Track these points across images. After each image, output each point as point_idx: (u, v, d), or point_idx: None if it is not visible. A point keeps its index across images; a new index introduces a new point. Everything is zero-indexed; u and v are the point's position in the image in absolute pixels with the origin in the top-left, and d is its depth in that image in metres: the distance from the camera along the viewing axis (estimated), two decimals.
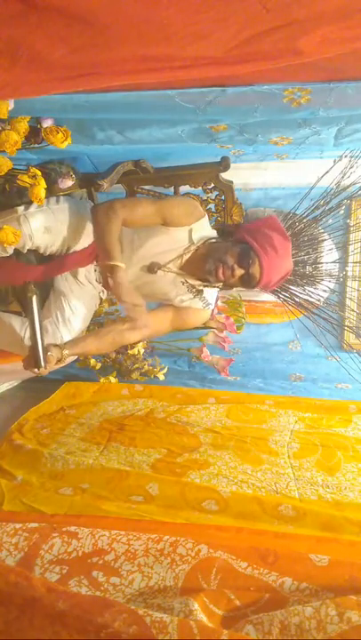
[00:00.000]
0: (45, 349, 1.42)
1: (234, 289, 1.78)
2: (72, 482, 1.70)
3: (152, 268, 1.65)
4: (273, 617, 0.96)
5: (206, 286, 1.71)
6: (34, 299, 1.38)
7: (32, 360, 1.41)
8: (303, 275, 2.29)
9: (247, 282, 1.60)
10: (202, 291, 1.71)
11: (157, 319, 1.71)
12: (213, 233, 1.74)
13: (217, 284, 1.70)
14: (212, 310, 1.85)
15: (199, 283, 1.69)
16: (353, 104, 1.42)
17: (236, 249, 1.60)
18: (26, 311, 1.63)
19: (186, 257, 1.67)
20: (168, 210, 1.64)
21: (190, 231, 1.66)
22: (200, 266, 1.63)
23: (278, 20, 0.92)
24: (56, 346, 1.49)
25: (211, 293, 1.76)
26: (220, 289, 1.77)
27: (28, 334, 1.66)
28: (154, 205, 1.64)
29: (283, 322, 2.82)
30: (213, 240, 1.69)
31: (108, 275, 1.50)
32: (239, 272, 1.57)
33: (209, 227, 1.74)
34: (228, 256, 1.58)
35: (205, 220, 1.71)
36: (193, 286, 1.70)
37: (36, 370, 1.40)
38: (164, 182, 2.08)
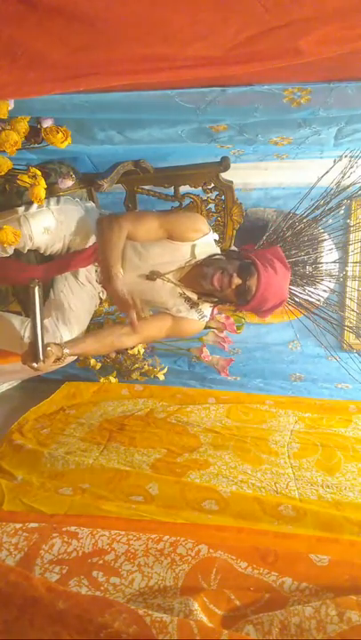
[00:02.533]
0: (45, 344, 1.43)
1: (227, 305, 1.79)
2: (72, 482, 1.70)
3: (151, 276, 1.67)
4: (273, 617, 0.96)
5: (203, 300, 1.73)
6: (36, 290, 1.38)
7: (31, 354, 1.41)
8: (303, 275, 2.29)
9: (242, 294, 1.61)
10: (198, 303, 1.74)
11: (155, 325, 1.74)
12: (217, 250, 1.77)
13: (211, 298, 1.72)
14: (212, 311, 1.86)
15: (196, 296, 1.73)
16: (353, 104, 1.42)
17: (238, 262, 1.64)
18: (27, 307, 1.63)
19: (186, 270, 1.70)
20: (173, 225, 1.67)
21: (193, 246, 1.69)
22: (199, 278, 1.65)
23: (278, 20, 0.92)
24: (56, 344, 1.50)
25: (207, 306, 1.79)
26: (215, 304, 1.78)
27: (27, 333, 1.67)
28: (159, 220, 1.66)
29: (283, 322, 2.82)
30: (217, 256, 1.72)
31: (105, 284, 1.55)
32: (237, 281, 1.59)
33: (214, 244, 1.77)
34: (228, 265, 1.62)
35: (210, 236, 1.74)
36: (189, 299, 1.72)
37: (34, 364, 1.40)
38: (164, 182, 2.08)
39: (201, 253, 1.70)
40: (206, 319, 1.81)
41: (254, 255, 1.66)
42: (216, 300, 1.73)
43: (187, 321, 1.76)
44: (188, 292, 1.72)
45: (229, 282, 1.59)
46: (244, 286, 1.59)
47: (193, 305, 1.75)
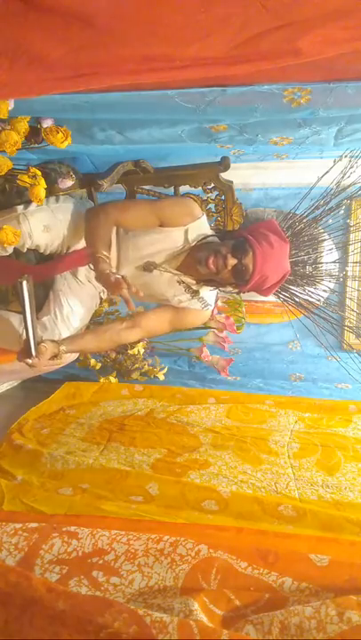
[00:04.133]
0: (38, 340, 1.42)
1: (228, 288, 1.74)
2: (72, 482, 1.70)
3: (148, 267, 1.65)
4: (273, 617, 0.96)
5: (201, 285, 1.69)
6: (24, 285, 1.35)
7: (24, 350, 1.41)
8: (303, 275, 2.29)
9: (240, 274, 1.55)
10: (198, 291, 1.71)
11: (156, 319, 1.71)
12: (209, 231, 1.72)
13: (210, 281, 1.68)
14: (212, 310, 1.85)
15: (195, 282, 1.69)
16: (353, 104, 1.42)
17: (231, 241, 1.58)
18: (19, 300, 1.62)
19: (182, 257, 1.66)
20: (163, 211, 1.63)
21: (186, 231, 1.65)
22: (194, 263, 1.61)
23: (278, 20, 0.92)
24: (52, 341, 1.49)
25: (210, 294, 1.76)
26: (215, 287, 1.75)
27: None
28: (149, 207, 1.63)
29: (283, 322, 2.82)
30: (209, 238, 1.68)
31: (95, 269, 1.49)
32: (232, 261, 1.53)
33: (207, 226, 1.72)
34: (221, 246, 1.57)
35: (203, 219, 1.70)
36: (189, 286, 1.69)
37: (28, 360, 1.40)
38: (164, 182, 2.08)
39: (194, 237, 1.65)
40: (210, 308, 1.76)
41: (247, 232, 1.60)
42: (215, 283, 1.69)
43: (189, 311, 1.72)
44: (186, 280, 1.68)
45: (224, 263, 1.53)
46: (241, 266, 1.53)
47: (194, 294, 1.70)
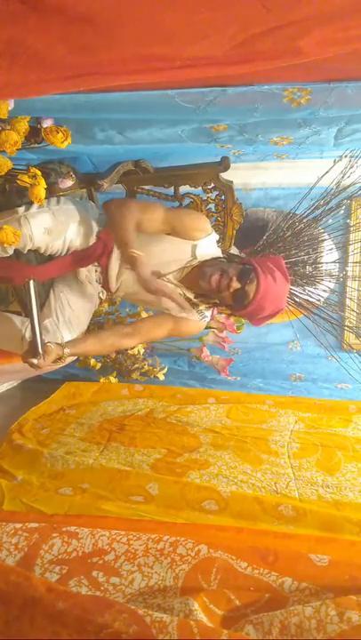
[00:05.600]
0: (43, 339, 1.43)
1: (223, 308, 1.83)
2: (72, 482, 1.70)
3: None
4: (273, 617, 0.96)
5: (201, 301, 1.74)
6: (31, 284, 1.37)
7: (30, 350, 1.41)
8: (303, 275, 2.29)
9: (240, 298, 1.61)
10: (197, 304, 1.74)
11: (156, 327, 1.74)
12: (219, 252, 1.77)
13: (209, 300, 1.72)
14: (212, 312, 1.87)
15: (194, 297, 1.73)
16: (353, 104, 1.42)
17: (239, 266, 1.64)
18: (24, 303, 1.63)
19: (186, 271, 1.70)
20: (178, 221, 1.67)
21: (194, 246, 1.69)
22: (198, 278, 1.65)
23: (278, 20, 0.92)
24: (57, 344, 1.50)
25: (205, 306, 1.79)
26: (211, 306, 1.79)
27: (28, 333, 1.67)
28: (166, 213, 1.66)
29: (283, 322, 2.82)
30: (219, 259, 1.72)
31: (131, 267, 1.53)
32: (235, 285, 1.59)
33: (215, 246, 1.77)
34: (229, 268, 1.62)
35: (212, 237, 1.74)
36: (189, 299, 1.72)
37: (34, 360, 1.40)
38: (164, 182, 2.08)
39: (202, 254, 1.69)
40: (207, 319, 1.81)
41: (256, 262, 1.66)
42: (214, 301, 1.73)
43: (187, 321, 1.76)
44: (187, 293, 1.72)
45: (228, 285, 1.58)
46: (243, 291, 1.59)
47: (193, 306, 1.74)
